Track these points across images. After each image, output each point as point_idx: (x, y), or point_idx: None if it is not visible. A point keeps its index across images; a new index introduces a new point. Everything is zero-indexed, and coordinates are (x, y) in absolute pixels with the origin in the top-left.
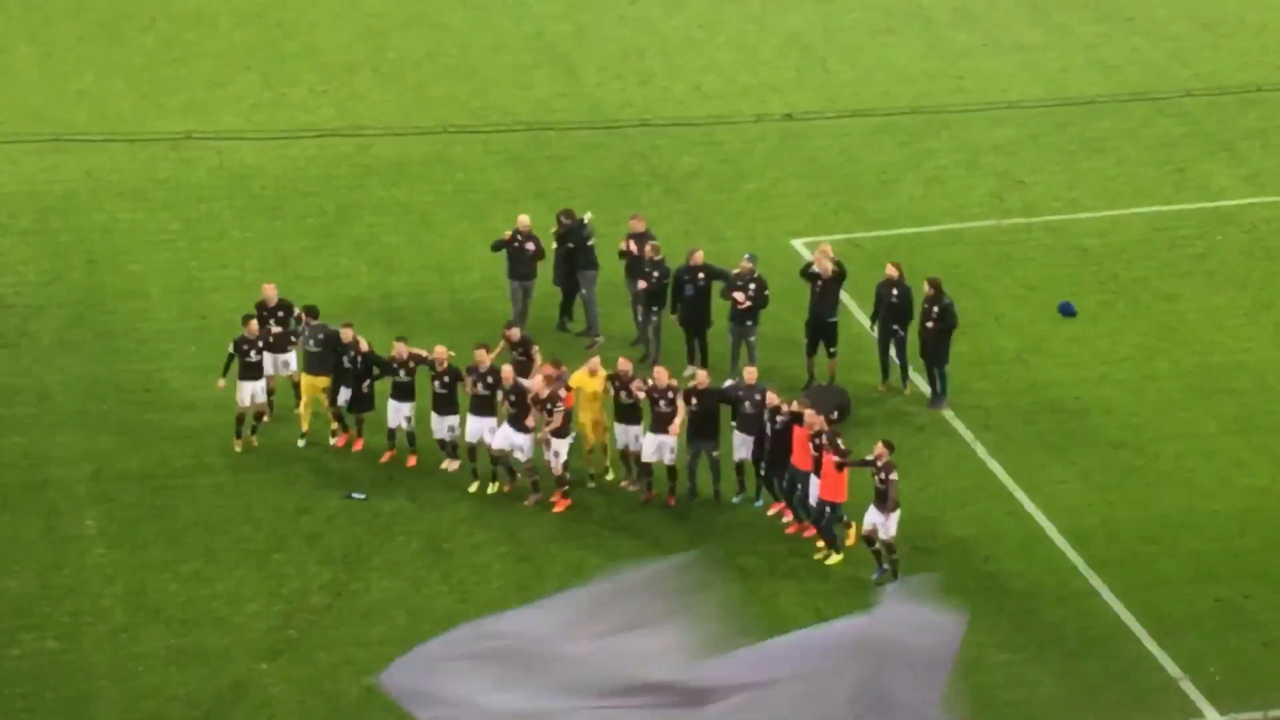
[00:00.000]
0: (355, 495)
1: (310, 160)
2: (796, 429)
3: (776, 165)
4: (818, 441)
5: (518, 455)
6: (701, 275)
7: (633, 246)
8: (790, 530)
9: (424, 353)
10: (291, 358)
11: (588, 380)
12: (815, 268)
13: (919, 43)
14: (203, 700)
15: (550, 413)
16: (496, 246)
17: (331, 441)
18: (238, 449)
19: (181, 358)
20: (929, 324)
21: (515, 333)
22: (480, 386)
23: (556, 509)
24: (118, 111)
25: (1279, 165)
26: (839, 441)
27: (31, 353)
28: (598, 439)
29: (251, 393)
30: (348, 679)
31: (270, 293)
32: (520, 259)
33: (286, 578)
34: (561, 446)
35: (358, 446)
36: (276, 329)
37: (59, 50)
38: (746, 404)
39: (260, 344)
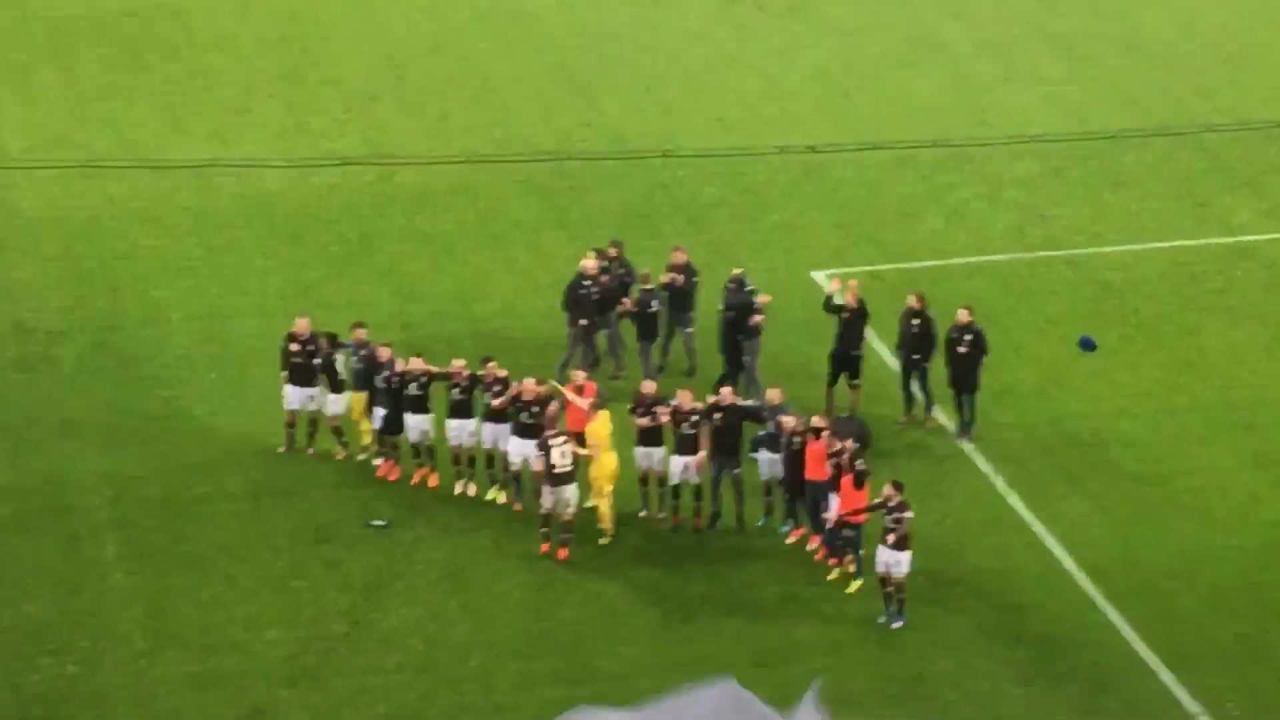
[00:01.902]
0: (376, 522)
1: (333, 188)
2: (810, 444)
3: (798, 197)
4: (837, 461)
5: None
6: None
7: (675, 279)
8: (818, 556)
9: (435, 368)
10: (317, 392)
11: (596, 429)
12: (838, 299)
13: (942, 75)
14: None
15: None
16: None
17: (373, 462)
18: (280, 451)
19: (202, 384)
20: (960, 349)
21: (581, 375)
22: (489, 396)
23: (558, 555)
24: (141, 138)
25: None
26: (859, 462)
27: (53, 378)
28: (602, 494)
29: (302, 397)
30: (365, 706)
31: (302, 325)
32: (585, 302)
33: (305, 604)
34: (570, 494)
35: (394, 476)
36: (297, 360)
37: (83, 76)
38: (770, 423)
39: (306, 349)
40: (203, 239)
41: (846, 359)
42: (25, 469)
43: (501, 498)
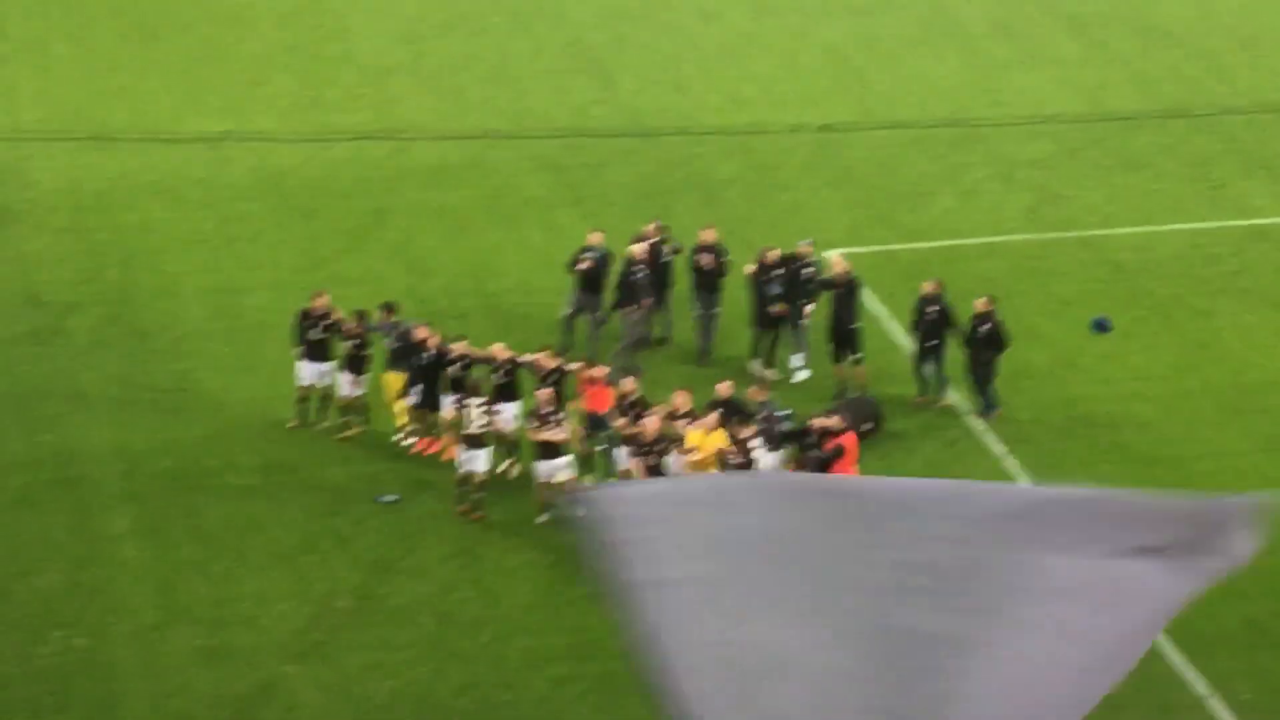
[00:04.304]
0: (385, 498)
1: (347, 162)
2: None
3: (812, 175)
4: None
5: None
6: (780, 272)
7: (705, 259)
8: None
9: (478, 351)
10: (332, 367)
11: (704, 439)
12: (828, 274)
13: (956, 55)
14: (230, 700)
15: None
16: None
17: (404, 441)
18: (289, 425)
19: (215, 358)
20: (978, 339)
21: (630, 383)
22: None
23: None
24: (155, 111)
25: None
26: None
27: (65, 350)
28: None
29: (316, 372)
30: (375, 682)
31: (321, 302)
32: (639, 288)
33: (315, 579)
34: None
35: (434, 449)
36: (313, 336)
37: (98, 49)
38: (761, 422)
39: (322, 324)
40: (216, 212)
41: (844, 333)
42: (36, 442)
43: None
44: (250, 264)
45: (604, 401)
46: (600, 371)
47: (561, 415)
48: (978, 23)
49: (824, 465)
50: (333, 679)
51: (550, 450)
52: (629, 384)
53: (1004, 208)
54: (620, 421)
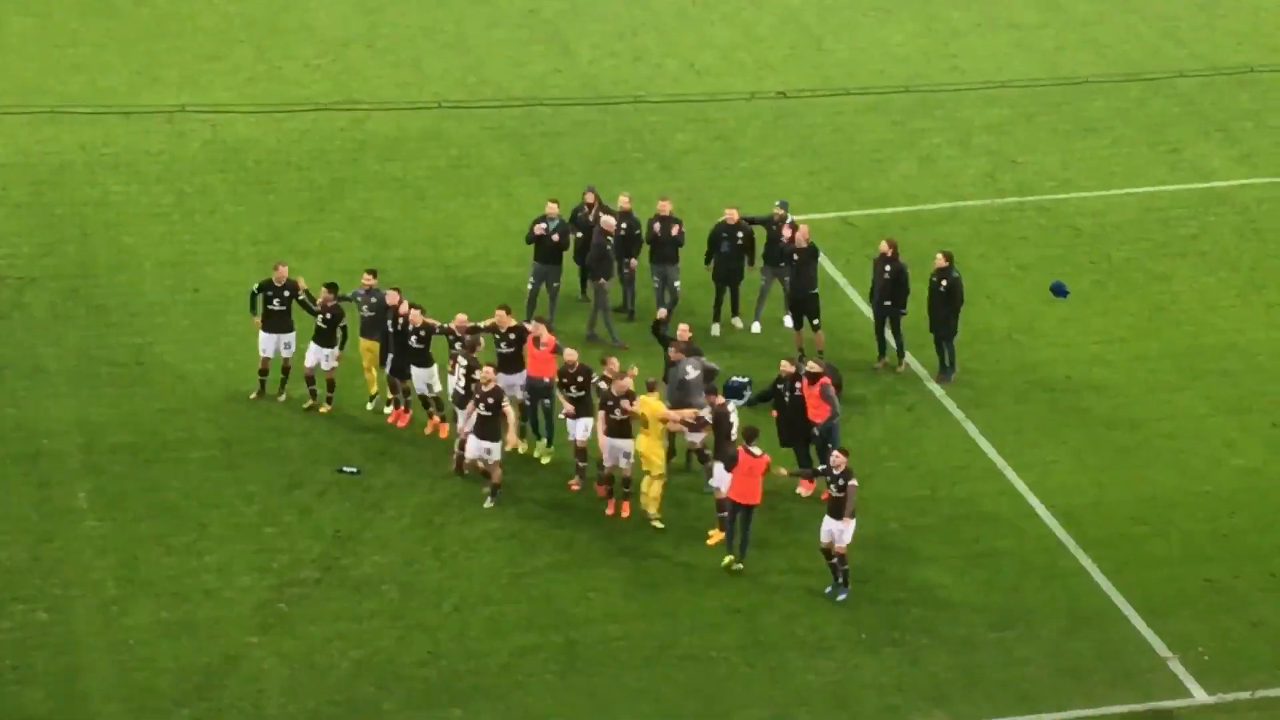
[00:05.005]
0: (347, 469)
1: (304, 134)
2: (806, 388)
3: (770, 143)
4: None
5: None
6: (740, 235)
7: (665, 230)
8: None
9: (436, 323)
10: (293, 338)
11: (649, 401)
12: (787, 242)
13: (913, 22)
14: (193, 673)
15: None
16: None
17: (384, 409)
18: (252, 396)
19: (174, 330)
20: (940, 295)
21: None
22: (504, 345)
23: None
24: (112, 84)
25: (1272, 146)
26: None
27: (24, 324)
28: (654, 473)
29: (276, 344)
30: (338, 652)
31: (280, 273)
32: (609, 259)
33: (278, 551)
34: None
35: (403, 423)
36: (273, 307)
37: (54, 23)
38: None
39: (284, 294)
40: (174, 185)
41: (804, 300)
42: None
43: (522, 446)
44: (209, 236)
45: (547, 368)
46: (548, 338)
47: (495, 399)
48: None
49: (801, 410)
50: (296, 650)
51: (486, 430)
52: (570, 354)
53: (962, 173)
54: (560, 393)
